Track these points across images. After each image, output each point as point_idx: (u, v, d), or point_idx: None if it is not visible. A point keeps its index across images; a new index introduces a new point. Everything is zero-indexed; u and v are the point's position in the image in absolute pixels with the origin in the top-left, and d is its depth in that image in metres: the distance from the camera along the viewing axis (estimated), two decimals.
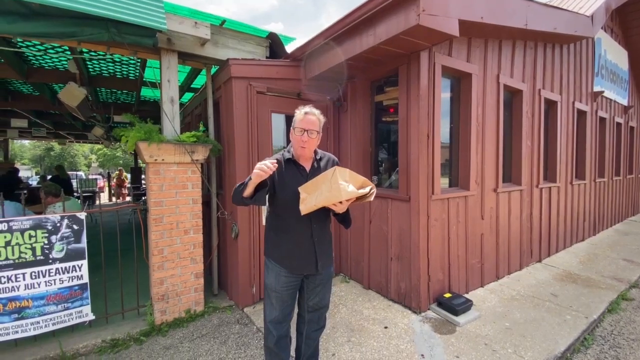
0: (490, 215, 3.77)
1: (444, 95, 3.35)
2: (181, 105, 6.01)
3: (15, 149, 34.55)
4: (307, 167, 1.91)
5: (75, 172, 17.25)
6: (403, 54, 2.94)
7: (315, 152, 1.96)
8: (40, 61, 4.08)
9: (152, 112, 6.95)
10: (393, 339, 2.64)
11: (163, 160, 2.93)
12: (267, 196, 1.79)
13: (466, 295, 3.27)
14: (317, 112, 1.85)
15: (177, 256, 3.08)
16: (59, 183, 7.30)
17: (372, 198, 1.76)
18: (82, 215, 2.77)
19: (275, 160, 1.68)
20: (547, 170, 4.92)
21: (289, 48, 3.70)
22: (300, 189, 1.74)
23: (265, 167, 1.58)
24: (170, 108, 3.12)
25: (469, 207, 3.47)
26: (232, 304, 3.37)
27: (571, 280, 3.94)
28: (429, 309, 3.08)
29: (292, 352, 2.16)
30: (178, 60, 3.23)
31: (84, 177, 17.10)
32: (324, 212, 1.82)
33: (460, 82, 3.46)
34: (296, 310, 2.08)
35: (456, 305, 2.92)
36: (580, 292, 3.58)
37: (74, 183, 13.85)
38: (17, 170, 6.39)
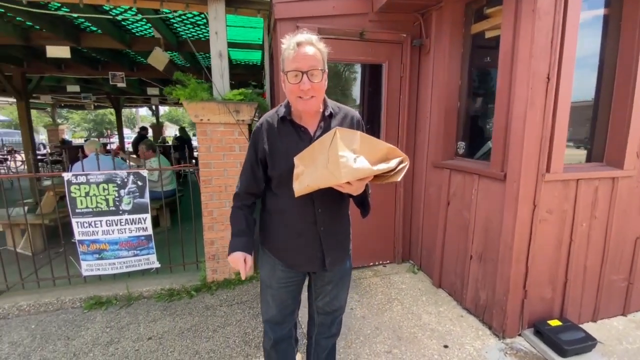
0: None
1: (586, 14, 2.04)
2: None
3: (179, 114, 43.34)
4: (312, 128, 1.31)
5: None
6: None
7: (325, 105, 1.33)
8: (139, 30, 4.47)
9: (245, 75, 7.17)
10: None
11: (209, 120, 2.79)
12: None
13: (588, 327, 2.17)
14: (314, 38, 1.19)
15: (226, 219, 3.02)
16: (181, 142, 8.65)
17: (399, 178, 1.09)
18: (144, 172, 2.94)
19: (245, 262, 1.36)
20: None
21: None
22: (296, 159, 1.19)
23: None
24: (218, 63, 2.90)
25: (619, 194, 2.19)
26: None
27: None
28: (519, 335, 2.16)
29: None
30: (228, 9, 2.93)
31: None
32: (334, 191, 1.23)
33: None
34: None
35: (566, 342, 1.93)
36: None
37: None
38: (146, 129, 7.92)
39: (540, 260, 2.11)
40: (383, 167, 1.07)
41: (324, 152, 1.05)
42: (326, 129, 1.31)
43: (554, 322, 2.10)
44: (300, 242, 1.37)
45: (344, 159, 1.00)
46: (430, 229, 2.96)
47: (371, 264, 3.26)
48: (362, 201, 1.36)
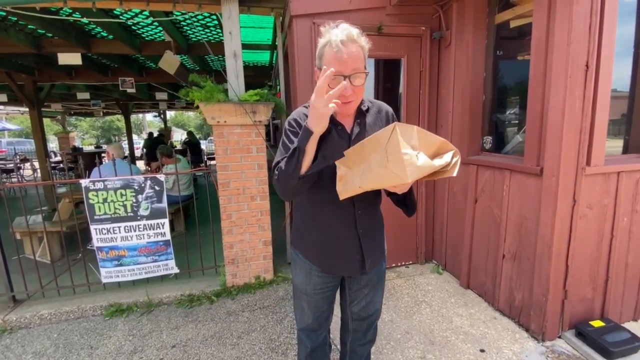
0: None
1: None
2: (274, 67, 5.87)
3: (184, 119, 43.58)
4: (348, 126, 1.22)
5: None
6: None
7: (361, 101, 1.25)
8: (149, 34, 4.45)
9: (253, 77, 7.12)
10: None
11: (225, 122, 2.73)
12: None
13: (629, 327, 2.05)
14: (355, 33, 1.07)
15: (245, 222, 2.96)
16: (189, 146, 8.65)
17: (455, 172, 1.00)
18: (161, 177, 2.89)
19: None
20: None
21: None
22: (337, 161, 1.09)
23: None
24: (233, 64, 2.84)
25: None
26: None
27: None
28: (559, 337, 2.06)
29: None
30: (242, 9, 2.87)
31: None
32: (372, 191, 1.15)
33: None
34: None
35: (612, 344, 1.82)
36: None
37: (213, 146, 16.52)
38: (162, 135, 7.97)
39: (581, 258, 2.00)
40: (441, 162, 0.99)
41: (380, 151, 0.95)
42: (362, 125, 1.24)
43: (597, 323, 1.99)
44: (338, 246, 1.29)
45: (407, 157, 0.89)
46: (455, 227, 2.86)
47: (393, 265, 3.17)
48: (406, 200, 1.27)
